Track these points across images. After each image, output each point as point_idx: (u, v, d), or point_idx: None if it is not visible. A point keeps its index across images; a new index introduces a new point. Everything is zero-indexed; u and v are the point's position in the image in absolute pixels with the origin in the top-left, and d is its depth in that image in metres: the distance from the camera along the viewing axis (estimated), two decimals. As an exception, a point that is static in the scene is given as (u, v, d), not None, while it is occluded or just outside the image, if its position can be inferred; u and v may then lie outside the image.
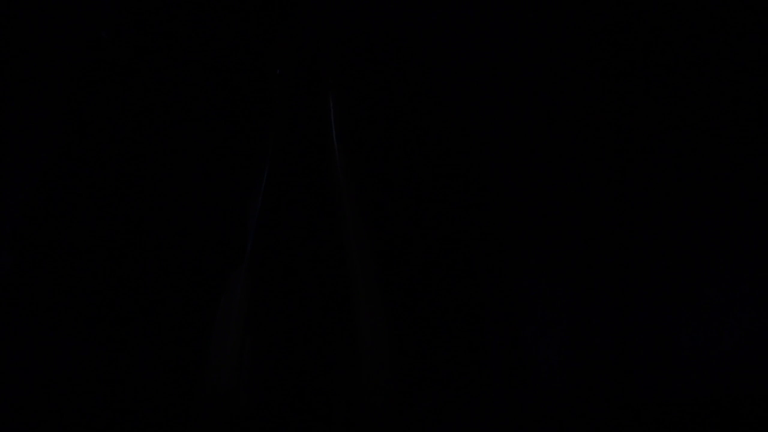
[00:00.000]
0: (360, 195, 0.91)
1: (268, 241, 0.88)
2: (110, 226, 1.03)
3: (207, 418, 0.88)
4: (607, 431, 1.09)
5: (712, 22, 1.08)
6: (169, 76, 1.03)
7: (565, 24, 1.08)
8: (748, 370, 1.09)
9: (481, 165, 1.09)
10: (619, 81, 1.09)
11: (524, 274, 1.09)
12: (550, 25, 1.08)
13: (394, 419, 0.90)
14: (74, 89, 1.02)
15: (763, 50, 1.08)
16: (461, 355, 1.08)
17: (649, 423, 1.09)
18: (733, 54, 1.08)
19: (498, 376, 1.09)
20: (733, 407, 1.09)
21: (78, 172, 1.02)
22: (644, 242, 1.10)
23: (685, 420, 1.09)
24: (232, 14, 1.03)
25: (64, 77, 1.02)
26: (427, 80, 1.07)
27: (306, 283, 0.88)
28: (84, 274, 1.02)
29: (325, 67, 0.90)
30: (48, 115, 1.03)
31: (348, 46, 1.05)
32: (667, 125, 1.09)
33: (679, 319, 1.10)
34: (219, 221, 1.02)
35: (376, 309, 0.90)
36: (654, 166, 1.09)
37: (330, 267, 0.88)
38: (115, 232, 1.03)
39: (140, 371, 1.03)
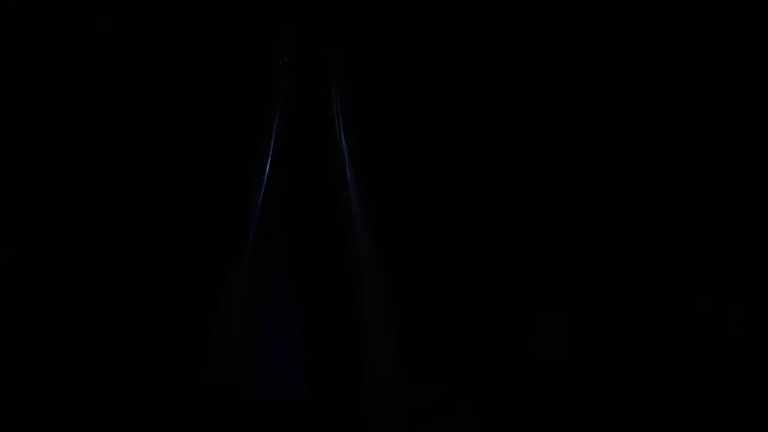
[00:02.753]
0: (364, 188, 0.91)
1: (271, 236, 0.88)
2: (112, 222, 1.03)
3: (209, 413, 0.88)
4: (607, 423, 1.09)
5: (712, 21, 1.08)
6: (173, 70, 1.03)
7: (564, 24, 1.08)
8: (748, 364, 1.10)
9: (485, 158, 1.09)
10: (620, 81, 1.09)
11: (527, 270, 1.09)
12: (551, 25, 1.08)
13: (399, 411, 0.90)
14: (76, 84, 1.02)
15: (763, 50, 1.09)
16: (464, 348, 1.08)
17: (647, 415, 1.09)
18: (733, 54, 1.09)
19: (500, 369, 1.09)
20: (732, 400, 1.09)
21: (78, 166, 1.02)
22: (646, 237, 1.10)
23: (685, 413, 1.09)
24: (237, 8, 1.02)
25: (65, 75, 1.02)
26: (434, 77, 1.08)
27: (309, 276, 0.88)
28: (84, 269, 1.02)
29: (330, 62, 0.90)
30: (49, 109, 1.02)
31: (353, 41, 1.05)
32: (666, 125, 1.09)
33: (680, 313, 1.10)
34: (221, 216, 1.02)
35: (379, 302, 0.90)
36: (656, 162, 1.10)
37: (333, 260, 0.88)
38: (117, 228, 1.03)
39: (141, 366, 1.02)
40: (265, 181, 0.89)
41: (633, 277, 1.10)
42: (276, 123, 0.89)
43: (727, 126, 1.09)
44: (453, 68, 1.08)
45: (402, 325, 0.94)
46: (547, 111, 1.09)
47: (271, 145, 0.89)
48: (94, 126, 1.02)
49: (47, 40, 1.02)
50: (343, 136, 0.89)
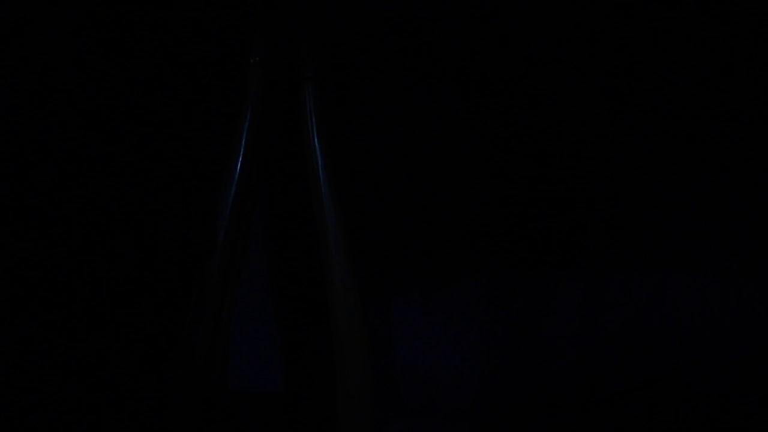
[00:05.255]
0: (338, 190, 0.90)
1: (242, 235, 0.88)
2: (85, 221, 1.03)
3: (181, 412, 0.88)
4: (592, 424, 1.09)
5: (708, 20, 1.08)
6: (143, 69, 1.03)
7: (559, 25, 1.08)
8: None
9: (463, 160, 1.09)
10: (612, 81, 1.09)
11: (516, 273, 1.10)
12: (546, 25, 1.08)
13: (370, 409, 0.90)
14: (60, 88, 1.02)
15: (760, 50, 1.08)
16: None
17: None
18: (728, 54, 1.08)
19: (488, 373, 1.09)
20: (713, 401, 1.09)
21: (52, 167, 1.02)
22: (627, 240, 1.10)
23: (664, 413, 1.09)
24: (208, 5, 1.03)
25: (56, 75, 1.02)
26: (410, 77, 1.08)
27: (281, 278, 0.88)
28: (59, 270, 1.03)
29: (303, 61, 0.89)
30: (28, 112, 1.03)
31: (327, 40, 1.05)
32: (643, 124, 1.09)
33: (656, 310, 1.10)
34: (191, 216, 1.03)
35: (351, 302, 0.90)
36: (632, 164, 1.10)
37: (306, 260, 0.88)
38: (89, 227, 1.03)
39: (114, 366, 1.03)
40: (235, 181, 0.89)
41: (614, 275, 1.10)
42: (247, 123, 0.89)
43: (718, 126, 1.09)
44: (429, 68, 1.08)
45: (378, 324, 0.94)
46: (531, 117, 1.09)
47: (242, 145, 0.89)
48: (71, 127, 1.03)
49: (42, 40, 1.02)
50: (315, 136, 0.89)
